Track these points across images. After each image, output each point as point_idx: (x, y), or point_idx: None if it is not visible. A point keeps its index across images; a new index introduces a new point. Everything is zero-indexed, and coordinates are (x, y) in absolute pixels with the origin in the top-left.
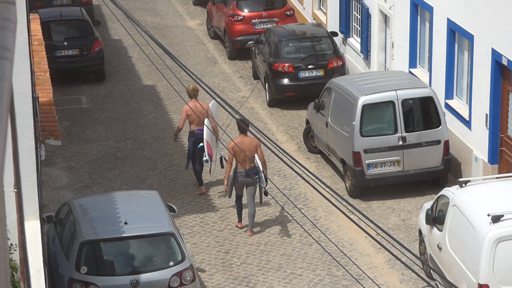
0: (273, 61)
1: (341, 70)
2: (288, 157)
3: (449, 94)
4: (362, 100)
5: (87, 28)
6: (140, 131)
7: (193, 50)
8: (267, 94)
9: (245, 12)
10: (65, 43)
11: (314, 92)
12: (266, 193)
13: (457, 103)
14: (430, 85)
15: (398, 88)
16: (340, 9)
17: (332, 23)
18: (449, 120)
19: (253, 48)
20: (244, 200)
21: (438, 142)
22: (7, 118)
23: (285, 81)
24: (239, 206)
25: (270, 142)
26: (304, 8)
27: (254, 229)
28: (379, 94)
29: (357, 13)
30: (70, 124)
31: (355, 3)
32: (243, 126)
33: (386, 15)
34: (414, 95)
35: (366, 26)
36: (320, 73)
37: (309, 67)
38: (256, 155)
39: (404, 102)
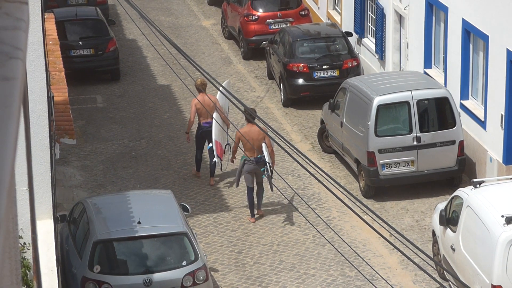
0: (288, 61)
1: (356, 70)
2: (302, 157)
3: (464, 95)
4: (377, 100)
5: (102, 27)
6: (154, 131)
7: (207, 50)
8: (282, 94)
9: (260, 12)
10: (80, 42)
11: (329, 92)
12: (270, 188)
13: (472, 104)
14: (445, 86)
15: (413, 89)
16: (354, 9)
17: (346, 23)
18: (464, 120)
19: (268, 48)
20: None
21: (453, 142)
22: (19, 117)
23: (300, 81)
24: (251, 200)
25: (284, 141)
26: (319, 8)
27: (267, 227)
28: (394, 95)
29: (371, 13)
30: (85, 123)
31: (369, 3)
32: (248, 116)
33: (401, 15)
34: (429, 95)
35: (381, 26)
36: (335, 73)
37: (324, 67)
38: (263, 144)
39: (419, 102)
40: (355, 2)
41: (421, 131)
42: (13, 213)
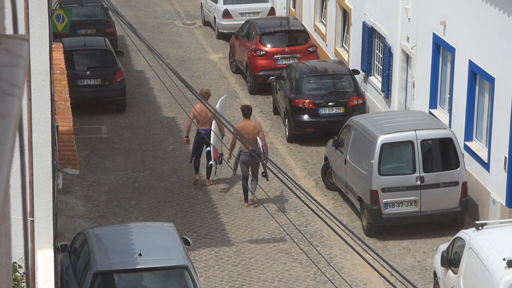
0: (294, 97)
1: (362, 108)
2: (305, 194)
3: (468, 136)
4: (381, 139)
5: (110, 58)
6: (159, 162)
7: (214, 83)
8: (286, 129)
9: (268, 47)
10: (88, 72)
11: (334, 129)
12: (264, 174)
13: (476, 145)
14: (450, 126)
15: (417, 128)
16: (362, 47)
17: (354, 61)
18: (467, 161)
19: (274, 83)
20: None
21: (456, 183)
22: (12, 155)
23: (305, 117)
24: (244, 187)
25: (287, 178)
26: (326, 45)
27: (268, 263)
28: (399, 134)
29: (379, 51)
30: (89, 153)
31: (377, 42)
32: (246, 111)
33: (408, 55)
34: (433, 135)
35: (387, 65)
36: (340, 110)
37: (329, 104)
38: (258, 137)
39: (423, 142)
40: (362, 40)
41: (425, 171)
42: (6, 247)
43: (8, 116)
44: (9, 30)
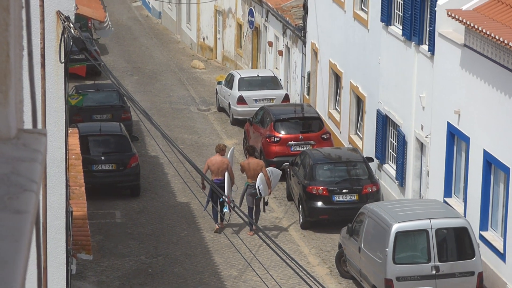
0: (308, 183)
1: (376, 196)
2: (316, 283)
3: (483, 226)
4: (396, 227)
5: (125, 143)
6: (172, 248)
7: None
8: (300, 216)
9: (282, 134)
10: (103, 157)
11: (348, 216)
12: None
13: (492, 235)
14: (465, 216)
15: (432, 217)
16: (376, 135)
17: (368, 148)
18: (483, 251)
19: (288, 169)
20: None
21: (472, 273)
22: (28, 251)
23: (319, 204)
24: (251, 217)
25: (298, 267)
26: (340, 132)
27: None
28: (413, 222)
29: (393, 139)
30: (103, 238)
31: (391, 130)
32: (251, 150)
33: (422, 143)
34: (448, 224)
35: (402, 153)
36: (355, 197)
37: (343, 191)
38: (261, 173)
39: (438, 231)
40: (376, 127)
41: (440, 261)
42: None
43: (25, 212)
44: (27, 121)
